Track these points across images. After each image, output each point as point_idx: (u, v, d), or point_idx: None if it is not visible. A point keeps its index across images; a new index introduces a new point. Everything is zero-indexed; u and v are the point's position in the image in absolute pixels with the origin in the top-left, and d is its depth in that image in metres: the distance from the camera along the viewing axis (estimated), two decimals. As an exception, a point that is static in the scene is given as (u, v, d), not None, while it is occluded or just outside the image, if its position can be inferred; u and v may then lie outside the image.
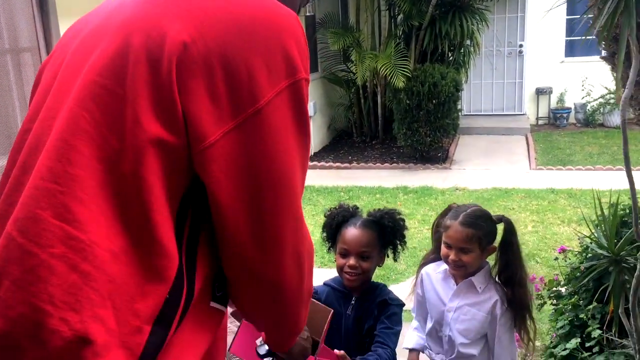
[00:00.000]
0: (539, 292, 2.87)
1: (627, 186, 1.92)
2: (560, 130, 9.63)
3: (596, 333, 2.37)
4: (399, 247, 1.94)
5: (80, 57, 0.85)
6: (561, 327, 2.58)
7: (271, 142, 0.81)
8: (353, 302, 1.91)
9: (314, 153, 8.52)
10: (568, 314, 2.59)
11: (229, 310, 1.18)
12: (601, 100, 9.49)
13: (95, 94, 0.78)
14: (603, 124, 9.61)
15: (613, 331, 2.31)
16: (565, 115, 9.84)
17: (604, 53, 2.59)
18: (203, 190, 0.83)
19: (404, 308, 1.95)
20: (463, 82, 8.48)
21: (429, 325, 2.08)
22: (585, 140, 8.77)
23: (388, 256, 1.96)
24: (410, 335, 2.18)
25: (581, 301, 2.57)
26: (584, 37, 1.97)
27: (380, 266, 1.95)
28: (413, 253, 4.53)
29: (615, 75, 2.10)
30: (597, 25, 1.72)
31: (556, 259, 2.97)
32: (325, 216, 2.00)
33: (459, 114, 8.42)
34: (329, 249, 1.99)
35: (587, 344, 2.43)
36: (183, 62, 0.77)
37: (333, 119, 9.40)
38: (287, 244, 0.89)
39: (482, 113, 10.49)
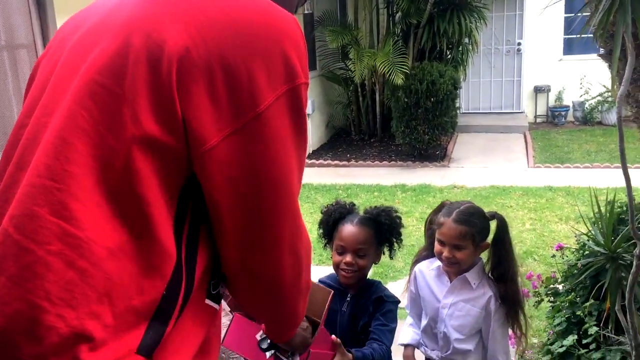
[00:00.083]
0: (537, 290, 2.87)
1: (624, 184, 1.93)
2: (558, 128, 9.64)
3: (593, 330, 2.38)
4: (395, 244, 1.95)
5: (79, 55, 0.85)
6: (558, 324, 2.59)
7: (270, 146, 0.82)
8: (348, 299, 1.92)
9: (312, 151, 8.53)
10: (565, 311, 2.60)
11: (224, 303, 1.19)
12: (599, 98, 9.50)
13: (94, 93, 0.79)
14: (601, 122, 9.62)
15: (609, 328, 2.31)
16: (563, 113, 9.85)
17: (601, 51, 2.60)
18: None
19: (400, 305, 1.96)
20: (461, 80, 8.49)
21: (424, 322, 2.08)
22: (583, 138, 8.78)
23: (384, 253, 1.96)
24: (405, 331, 2.19)
25: (578, 298, 2.58)
26: (580, 36, 1.97)
27: (376, 263, 1.96)
28: (411, 251, 4.52)
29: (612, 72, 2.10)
30: (593, 23, 1.72)
31: (553, 256, 2.98)
32: (321, 213, 2.01)
33: (457, 112, 8.43)
34: (325, 245, 2.00)
35: (584, 341, 2.44)
36: (184, 65, 0.77)
37: (331, 117, 9.41)
38: (285, 243, 0.90)
39: (481, 111, 10.50)
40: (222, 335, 1.26)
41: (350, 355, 1.65)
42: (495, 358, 1.98)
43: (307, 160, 7.34)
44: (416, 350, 2.15)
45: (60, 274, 0.74)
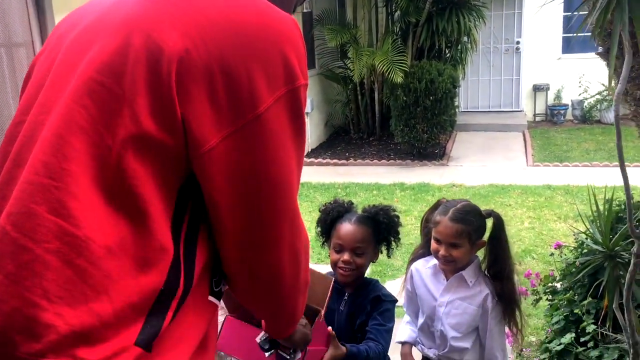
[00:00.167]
0: (535, 288, 2.88)
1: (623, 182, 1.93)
2: (557, 126, 9.64)
3: (591, 328, 2.39)
4: (393, 243, 1.95)
5: (77, 53, 0.85)
6: (556, 323, 2.59)
7: (270, 146, 0.83)
8: (346, 297, 1.92)
9: (311, 149, 8.53)
10: (563, 309, 2.60)
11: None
12: (598, 96, 9.51)
13: (93, 91, 0.79)
14: (600, 121, 9.63)
15: (607, 326, 2.32)
16: (562, 111, 9.86)
17: (600, 49, 2.60)
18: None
19: (397, 304, 1.96)
20: (460, 78, 8.50)
21: (421, 320, 2.09)
22: (582, 136, 8.79)
23: (382, 252, 1.96)
24: (402, 329, 2.19)
25: (576, 296, 2.59)
26: (575, 34, 1.97)
27: (374, 262, 1.96)
28: (409, 249, 4.51)
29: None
30: (590, 21, 1.73)
31: (552, 254, 2.98)
32: (320, 211, 2.01)
33: (456, 110, 8.43)
34: (323, 244, 2.00)
35: (582, 339, 2.44)
36: (184, 66, 0.77)
37: (330, 116, 9.41)
38: (285, 243, 0.91)
39: (479, 110, 10.51)
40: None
41: (344, 348, 1.65)
42: (493, 355, 1.98)
43: (306, 159, 7.35)
44: (413, 348, 2.16)
45: (59, 272, 0.74)
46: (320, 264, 4.22)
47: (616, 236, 2.21)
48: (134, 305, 0.77)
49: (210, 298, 0.91)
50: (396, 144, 8.21)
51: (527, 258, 4.44)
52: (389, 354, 1.89)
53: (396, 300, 1.95)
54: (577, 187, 6.12)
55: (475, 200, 5.96)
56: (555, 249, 2.91)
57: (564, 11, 9.38)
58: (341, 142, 8.98)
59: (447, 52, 8.42)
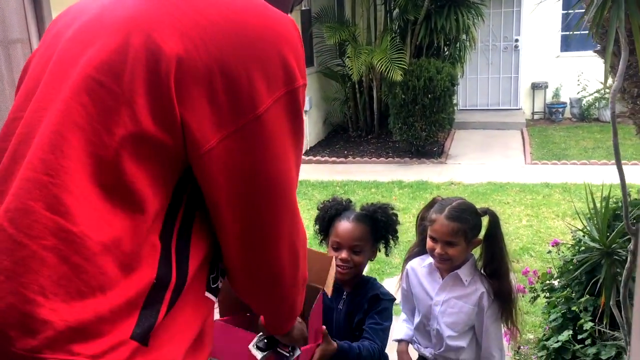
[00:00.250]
0: (533, 286, 2.88)
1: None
2: (555, 124, 9.65)
3: (588, 325, 2.39)
4: (391, 241, 1.95)
5: (75, 50, 0.85)
6: (554, 320, 2.60)
7: (269, 146, 0.83)
8: (344, 296, 1.92)
9: (310, 147, 8.53)
10: (560, 306, 2.61)
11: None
12: (596, 94, 9.50)
13: (91, 89, 0.79)
14: (598, 119, 9.64)
15: (604, 323, 2.33)
16: (560, 109, 9.86)
17: (598, 47, 2.60)
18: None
19: (395, 302, 1.96)
20: (459, 76, 8.49)
21: (417, 319, 2.08)
22: (580, 134, 8.80)
23: (380, 250, 1.96)
24: (399, 327, 2.19)
25: (573, 294, 2.59)
26: (572, 32, 1.98)
27: (372, 260, 1.96)
28: (407, 247, 4.49)
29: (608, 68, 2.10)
30: (587, 19, 1.73)
31: (549, 252, 2.99)
32: (318, 209, 2.01)
33: (455, 108, 8.43)
34: (321, 241, 2.00)
35: (579, 336, 2.45)
36: (183, 67, 0.78)
37: (329, 114, 9.40)
38: (284, 239, 0.92)
39: (478, 108, 10.51)
40: None
41: (335, 344, 1.65)
42: (490, 354, 1.98)
43: (304, 157, 7.36)
44: (410, 346, 2.15)
45: (55, 268, 0.74)
46: (318, 261, 4.22)
47: (613, 233, 2.22)
48: (128, 300, 0.77)
49: (207, 294, 0.92)
50: (394, 141, 8.21)
51: (524, 256, 4.45)
52: (386, 351, 1.89)
53: (394, 299, 1.95)
54: (574, 185, 6.13)
55: (474, 198, 5.98)
56: (553, 246, 2.92)
57: (563, 9, 9.38)
58: (340, 140, 8.98)
59: (445, 50, 8.42)
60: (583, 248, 2.51)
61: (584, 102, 9.73)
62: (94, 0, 0.92)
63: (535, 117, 10.16)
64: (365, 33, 8.50)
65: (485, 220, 1.98)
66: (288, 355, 1.35)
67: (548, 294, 2.79)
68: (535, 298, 2.87)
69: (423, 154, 7.83)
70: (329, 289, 1.51)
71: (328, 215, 1.95)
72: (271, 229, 0.89)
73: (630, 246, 1.92)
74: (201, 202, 0.87)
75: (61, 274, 0.74)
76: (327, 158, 8.02)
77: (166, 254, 0.82)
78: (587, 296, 2.43)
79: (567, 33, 9.58)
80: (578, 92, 9.73)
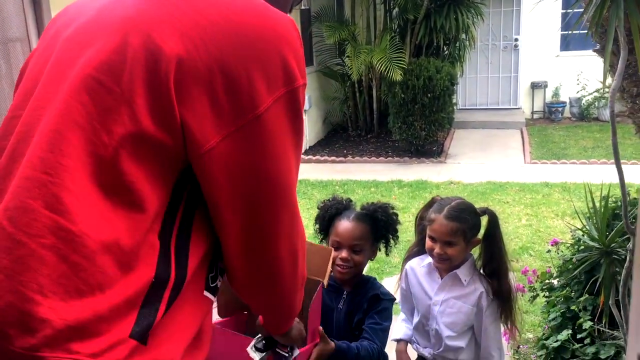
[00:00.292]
0: (532, 285, 2.88)
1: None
2: (555, 124, 9.65)
3: (587, 324, 2.39)
4: (392, 241, 1.95)
5: (74, 50, 0.85)
6: (553, 319, 2.60)
7: (269, 146, 0.84)
8: (344, 296, 1.91)
9: (309, 147, 8.53)
10: (560, 306, 2.61)
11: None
12: (596, 94, 9.51)
13: (91, 88, 0.79)
14: (598, 118, 9.64)
15: (604, 322, 2.33)
16: (560, 109, 9.86)
17: (597, 46, 2.60)
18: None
19: (395, 302, 1.96)
20: (458, 76, 8.50)
21: (416, 319, 2.08)
22: (579, 134, 8.80)
23: (380, 250, 1.96)
24: (398, 327, 2.18)
25: (573, 293, 2.59)
26: (571, 31, 1.98)
27: (372, 260, 1.96)
28: (407, 247, 4.51)
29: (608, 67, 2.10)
30: (586, 18, 1.73)
31: (549, 251, 2.99)
32: (318, 208, 2.00)
33: (454, 107, 8.44)
34: (321, 241, 2.00)
35: (579, 336, 2.45)
36: (183, 67, 0.78)
37: (328, 113, 9.40)
38: (283, 238, 0.92)
39: (477, 107, 10.51)
40: None
41: (332, 344, 1.65)
42: (489, 354, 1.97)
43: (304, 156, 7.36)
44: (409, 346, 2.15)
45: (54, 267, 0.74)
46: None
47: (612, 233, 2.22)
48: (127, 299, 0.78)
49: (206, 293, 0.92)
50: (394, 141, 8.21)
51: (524, 255, 4.45)
52: (385, 350, 1.88)
53: (394, 299, 1.94)
54: (574, 185, 6.14)
55: (473, 197, 5.99)
56: (552, 246, 2.92)
57: (562, 8, 9.38)
58: (339, 140, 8.98)
59: (445, 49, 8.42)
60: (582, 247, 2.51)
61: (583, 101, 9.73)
62: (93, 0, 0.92)
63: (535, 116, 10.16)
64: (365, 32, 8.50)
65: (484, 220, 1.97)
66: (287, 355, 1.35)
67: (547, 293, 2.79)
68: (534, 297, 2.87)
69: (422, 153, 7.83)
70: (325, 279, 1.52)
71: (328, 215, 1.95)
72: (271, 229, 0.90)
73: (630, 245, 1.92)
74: (201, 201, 0.87)
75: (60, 272, 0.74)
76: (326, 157, 8.02)
77: (165, 253, 0.82)
78: (587, 295, 2.43)
79: (567, 32, 9.59)
80: (577, 92, 9.73)
